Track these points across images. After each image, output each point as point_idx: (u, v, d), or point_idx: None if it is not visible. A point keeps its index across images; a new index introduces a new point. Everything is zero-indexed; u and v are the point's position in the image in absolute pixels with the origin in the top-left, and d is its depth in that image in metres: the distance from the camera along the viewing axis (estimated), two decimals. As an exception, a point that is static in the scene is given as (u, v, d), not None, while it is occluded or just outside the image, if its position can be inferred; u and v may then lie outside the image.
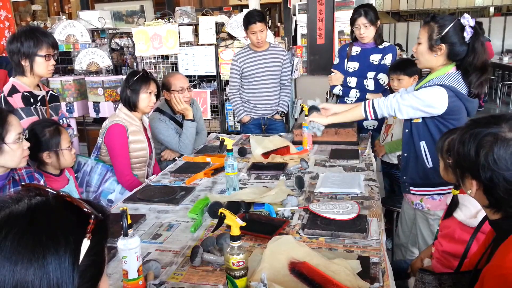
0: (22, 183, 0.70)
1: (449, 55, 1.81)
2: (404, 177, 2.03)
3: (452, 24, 1.77)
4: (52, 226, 0.61)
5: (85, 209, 0.64)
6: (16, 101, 2.11)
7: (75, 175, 2.24)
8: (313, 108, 2.21)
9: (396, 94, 1.91)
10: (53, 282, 0.58)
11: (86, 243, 0.62)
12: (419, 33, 1.88)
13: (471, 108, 1.86)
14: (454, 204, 1.47)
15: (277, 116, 3.36)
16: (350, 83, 2.98)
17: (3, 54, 3.91)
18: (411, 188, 2.00)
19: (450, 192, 1.91)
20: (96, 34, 4.30)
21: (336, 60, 3.15)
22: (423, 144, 1.90)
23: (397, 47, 5.85)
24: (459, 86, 1.80)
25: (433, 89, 1.80)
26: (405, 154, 2.00)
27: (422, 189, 1.97)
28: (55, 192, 0.66)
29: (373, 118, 1.98)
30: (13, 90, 2.12)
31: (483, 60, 1.78)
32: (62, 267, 0.59)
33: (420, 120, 1.89)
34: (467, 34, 1.74)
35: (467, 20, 1.75)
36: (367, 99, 2.00)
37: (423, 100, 1.81)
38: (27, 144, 1.62)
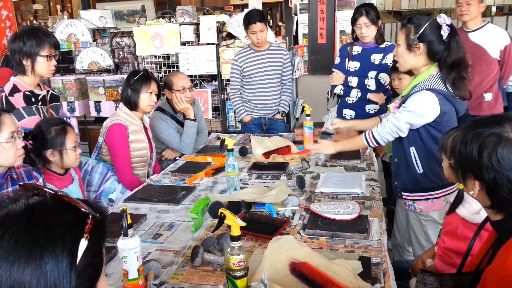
0: (20, 183, 0.70)
1: (429, 54, 1.82)
2: (396, 182, 2.02)
3: (428, 23, 1.80)
4: (50, 226, 0.61)
5: (83, 209, 0.64)
6: (18, 100, 2.11)
7: (76, 174, 2.24)
8: (325, 134, 2.19)
9: (388, 117, 1.91)
10: (50, 282, 0.58)
11: (83, 243, 0.62)
12: (397, 36, 1.88)
13: (461, 109, 1.87)
14: (459, 199, 1.46)
15: (278, 116, 3.36)
16: (351, 82, 2.98)
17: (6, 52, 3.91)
18: (403, 193, 2.00)
19: (441, 197, 1.91)
20: (97, 33, 4.30)
21: (337, 60, 3.14)
22: (413, 150, 1.89)
23: None
24: (445, 87, 1.80)
25: (422, 95, 1.79)
26: (396, 160, 2.00)
27: (414, 194, 1.96)
28: (52, 192, 0.66)
29: (376, 146, 1.99)
30: (15, 89, 2.12)
31: (455, 58, 1.79)
32: (59, 267, 0.58)
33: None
34: (444, 32, 1.77)
35: (443, 19, 1.78)
36: (366, 131, 2.01)
37: (414, 111, 1.81)
38: (21, 143, 1.61)
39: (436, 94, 1.78)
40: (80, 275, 0.61)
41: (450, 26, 1.78)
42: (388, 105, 2.09)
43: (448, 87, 1.79)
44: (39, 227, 0.60)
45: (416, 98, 1.81)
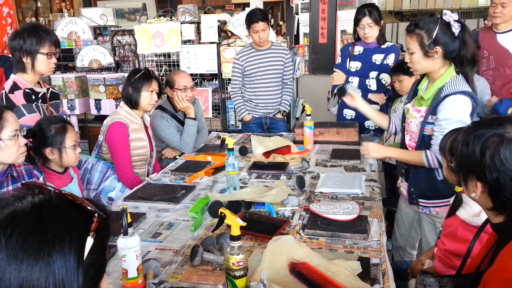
0: (22, 182, 0.71)
1: (445, 55, 1.79)
2: (412, 189, 1.95)
3: (438, 24, 1.75)
4: (57, 224, 0.61)
5: (89, 208, 0.64)
6: (18, 98, 2.10)
7: (76, 172, 2.23)
8: (341, 90, 2.12)
9: (436, 136, 1.79)
10: (58, 280, 0.58)
11: (90, 241, 0.62)
12: (406, 43, 1.83)
13: (477, 109, 1.83)
14: (457, 202, 1.45)
15: (279, 116, 3.36)
16: (352, 82, 2.97)
17: (5, 52, 3.91)
18: (419, 200, 1.94)
19: None
20: (98, 31, 4.29)
21: (338, 60, 3.14)
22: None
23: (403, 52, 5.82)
24: (469, 88, 1.77)
25: (457, 100, 1.73)
26: (413, 166, 1.91)
27: (432, 201, 1.91)
28: (57, 191, 0.66)
29: (437, 167, 1.84)
30: (15, 87, 2.12)
31: (472, 51, 1.77)
32: (67, 264, 0.59)
33: (433, 133, 1.82)
34: (455, 29, 1.73)
35: (450, 16, 1.74)
36: (428, 151, 1.85)
37: (460, 120, 1.72)
38: (24, 141, 1.62)
39: (468, 96, 1.74)
40: (86, 272, 0.61)
41: (459, 21, 1.74)
42: (406, 106, 2.01)
43: (470, 84, 1.77)
44: (47, 225, 0.60)
45: (453, 104, 1.74)
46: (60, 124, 1.94)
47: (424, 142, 1.86)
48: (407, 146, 1.98)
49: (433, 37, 1.75)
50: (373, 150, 1.96)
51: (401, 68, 2.66)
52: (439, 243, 1.54)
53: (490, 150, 0.98)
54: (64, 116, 2.39)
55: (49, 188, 0.66)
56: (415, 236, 2.13)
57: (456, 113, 1.74)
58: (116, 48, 4.15)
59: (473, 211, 1.40)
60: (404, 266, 1.83)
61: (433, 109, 1.81)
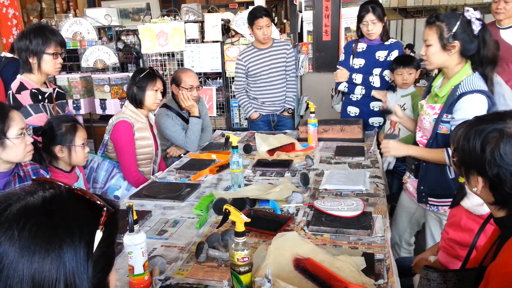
0: (33, 178, 0.73)
1: (462, 52, 1.76)
2: (422, 187, 1.93)
3: (460, 19, 1.73)
4: (67, 218, 0.63)
5: (98, 202, 0.66)
6: (25, 98, 2.13)
7: (82, 171, 2.26)
8: (389, 136, 2.00)
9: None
10: (69, 271, 0.60)
11: (99, 235, 0.64)
12: (425, 34, 1.81)
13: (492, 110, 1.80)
14: (462, 193, 1.45)
15: (286, 113, 3.37)
16: (355, 79, 2.97)
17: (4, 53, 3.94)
18: (429, 198, 1.92)
19: None
20: (103, 31, 4.32)
21: (342, 57, 3.14)
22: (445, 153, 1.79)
23: (408, 49, 5.78)
24: (485, 87, 1.75)
25: (474, 99, 1.71)
26: (424, 164, 1.90)
27: (442, 200, 1.88)
28: (67, 186, 0.68)
29: None
30: (21, 87, 2.14)
31: (493, 51, 1.75)
32: (77, 257, 0.61)
33: (448, 132, 1.79)
34: (476, 26, 1.71)
35: (471, 13, 1.72)
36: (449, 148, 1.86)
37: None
38: (30, 140, 1.64)
39: (484, 95, 1.72)
40: (95, 265, 0.63)
41: (480, 19, 1.71)
42: (420, 102, 1.99)
43: (488, 84, 1.74)
44: (58, 219, 0.62)
45: (470, 104, 1.71)
46: (70, 123, 1.97)
47: (436, 140, 1.84)
48: (418, 143, 1.96)
49: (454, 31, 1.73)
50: (393, 148, 1.93)
51: (407, 61, 2.67)
52: (443, 233, 1.54)
53: (491, 145, 0.98)
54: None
55: (59, 184, 0.69)
56: (411, 232, 2.12)
57: (473, 113, 1.65)
58: (122, 49, 4.18)
59: (477, 200, 1.39)
60: (408, 263, 1.83)
61: (448, 107, 1.79)
